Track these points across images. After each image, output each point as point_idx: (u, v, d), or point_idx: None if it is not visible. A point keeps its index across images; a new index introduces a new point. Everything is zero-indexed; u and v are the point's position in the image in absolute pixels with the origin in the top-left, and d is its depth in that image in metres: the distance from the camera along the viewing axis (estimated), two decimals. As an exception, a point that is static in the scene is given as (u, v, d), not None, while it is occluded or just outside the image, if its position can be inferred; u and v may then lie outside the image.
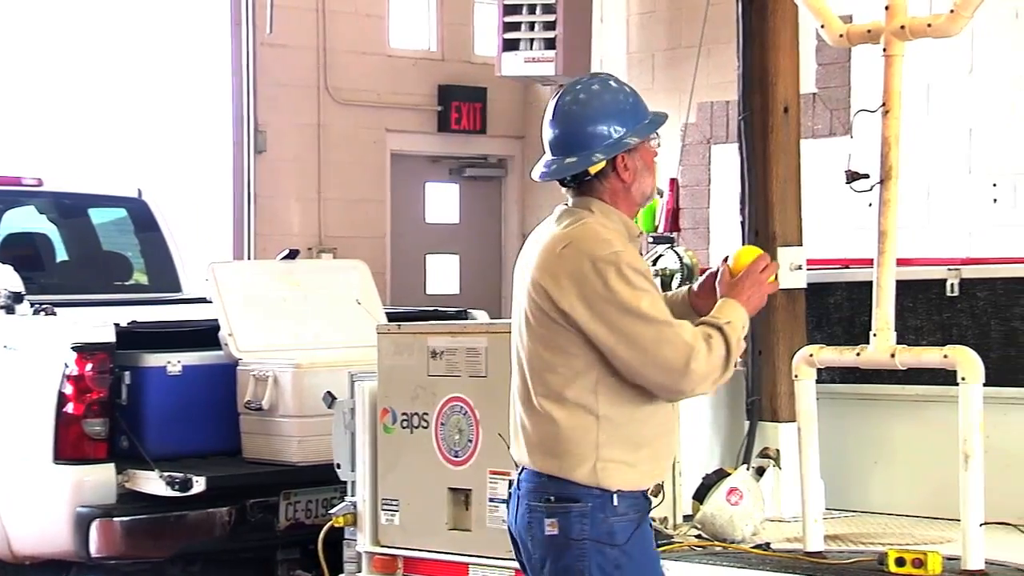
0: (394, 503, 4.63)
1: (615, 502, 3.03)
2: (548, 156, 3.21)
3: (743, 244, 4.51)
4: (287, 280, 6.03)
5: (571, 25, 9.74)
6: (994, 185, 8.16)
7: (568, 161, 3.14)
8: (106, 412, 5.29)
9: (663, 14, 10.08)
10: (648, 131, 3.15)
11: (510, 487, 3.20)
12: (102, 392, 5.28)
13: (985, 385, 3.56)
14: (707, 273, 3.25)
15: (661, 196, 9.05)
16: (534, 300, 3.10)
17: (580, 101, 3.15)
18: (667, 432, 3.15)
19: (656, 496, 3.67)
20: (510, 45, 9.78)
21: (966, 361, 3.58)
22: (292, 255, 6.35)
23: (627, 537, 3.03)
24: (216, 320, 5.67)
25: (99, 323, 5.37)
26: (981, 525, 3.52)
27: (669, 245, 5.17)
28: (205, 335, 5.67)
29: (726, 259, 3.20)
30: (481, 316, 6.39)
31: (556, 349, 3.06)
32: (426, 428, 4.55)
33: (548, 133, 3.19)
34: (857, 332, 4.03)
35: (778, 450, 4.50)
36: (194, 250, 8.72)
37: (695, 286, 3.27)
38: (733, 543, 4.10)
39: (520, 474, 3.16)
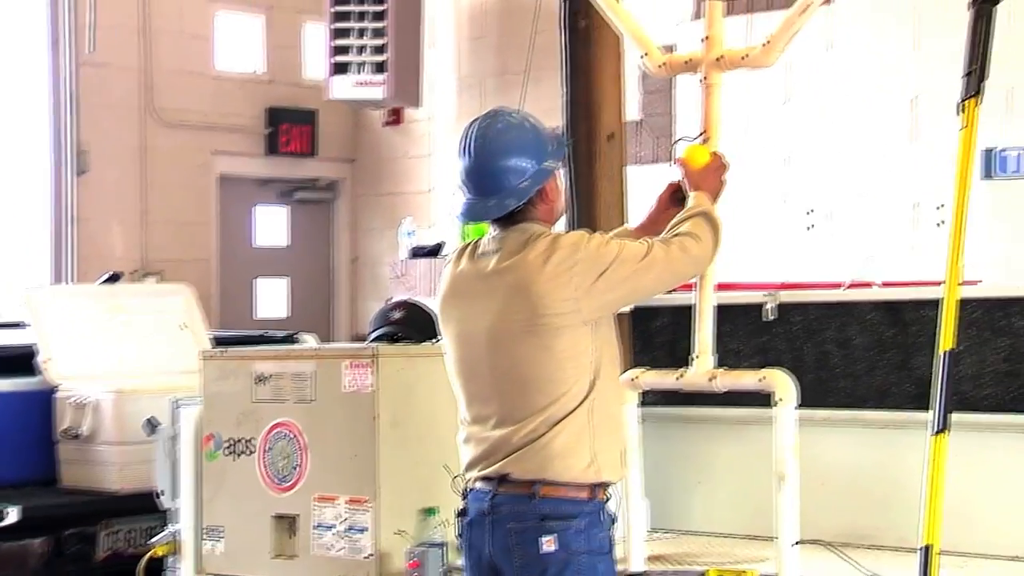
0: (217, 531, 4.55)
1: (603, 516, 3.22)
2: (472, 196, 3.32)
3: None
4: (109, 304, 5.91)
5: (401, 49, 9.75)
6: (809, 212, 8.43)
7: (502, 201, 3.26)
8: (-85, 441, 5.10)
9: (492, 40, 10.17)
10: (561, 153, 3.36)
11: (467, 514, 3.25)
12: (-90, 420, 5.09)
13: (799, 407, 3.66)
14: (659, 196, 3.60)
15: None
16: (536, 315, 3.19)
17: (494, 140, 3.29)
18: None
19: None
20: (339, 68, 9.74)
21: (781, 384, 3.68)
22: (114, 279, 6.23)
23: (611, 546, 3.26)
24: (33, 346, 5.51)
25: (-93, 349, 5.18)
26: (795, 544, 3.60)
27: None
28: (21, 361, 5.50)
29: (680, 161, 3.57)
30: (310, 340, 6.34)
31: (560, 356, 3.18)
32: (251, 454, 4.49)
33: (472, 175, 3.31)
34: (680, 355, 4.09)
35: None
36: (10, 274, 8.46)
37: (650, 210, 3.62)
38: (559, 565, 4.11)
39: (494, 498, 3.18)
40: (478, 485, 3.23)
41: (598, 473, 3.19)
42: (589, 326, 3.21)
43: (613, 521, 3.31)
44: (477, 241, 3.35)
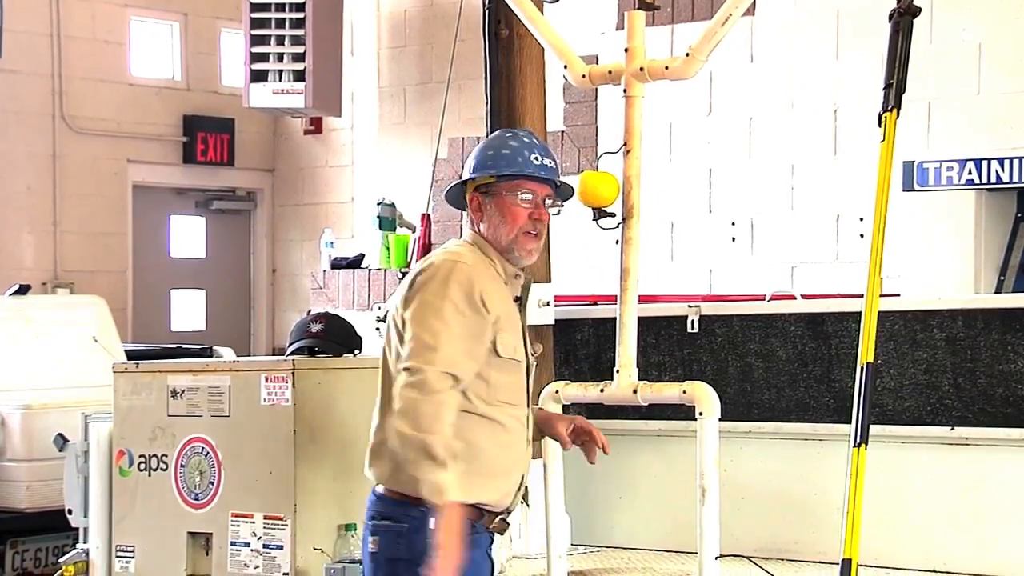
0: (129, 549, 4.45)
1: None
2: None
3: None
4: (17, 317, 5.80)
5: (321, 57, 9.66)
6: (732, 224, 8.46)
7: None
8: None
9: (413, 48, 10.11)
10: (476, 174, 3.31)
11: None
12: None
13: (722, 420, 3.64)
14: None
15: (413, 231, 9.07)
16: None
17: None
18: None
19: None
20: (258, 76, 9.62)
21: (703, 397, 3.66)
22: (23, 290, 6.11)
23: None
24: (-64, 359, 5.38)
25: None
26: (717, 558, 3.59)
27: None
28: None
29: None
30: (227, 353, 6.25)
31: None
32: (165, 470, 4.40)
33: None
34: (603, 368, 4.07)
35: (526, 487, 4.50)
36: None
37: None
38: (480, 582, 4.06)
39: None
40: None
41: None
42: None
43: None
44: None
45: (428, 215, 7.58)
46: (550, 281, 4.81)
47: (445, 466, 3.00)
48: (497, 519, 3.24)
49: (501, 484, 3.23)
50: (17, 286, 6.16)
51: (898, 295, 4.94)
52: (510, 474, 3.26)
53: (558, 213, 3.39)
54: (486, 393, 3.15)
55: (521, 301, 3.31)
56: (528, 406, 3.33)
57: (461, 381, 3.09)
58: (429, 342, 3.07)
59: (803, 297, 4.62)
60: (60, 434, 4.77)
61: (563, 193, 3.44)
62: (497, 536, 4.14)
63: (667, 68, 3.83)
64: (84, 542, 4.59)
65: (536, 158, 3.32)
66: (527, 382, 3.31)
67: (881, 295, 3.36)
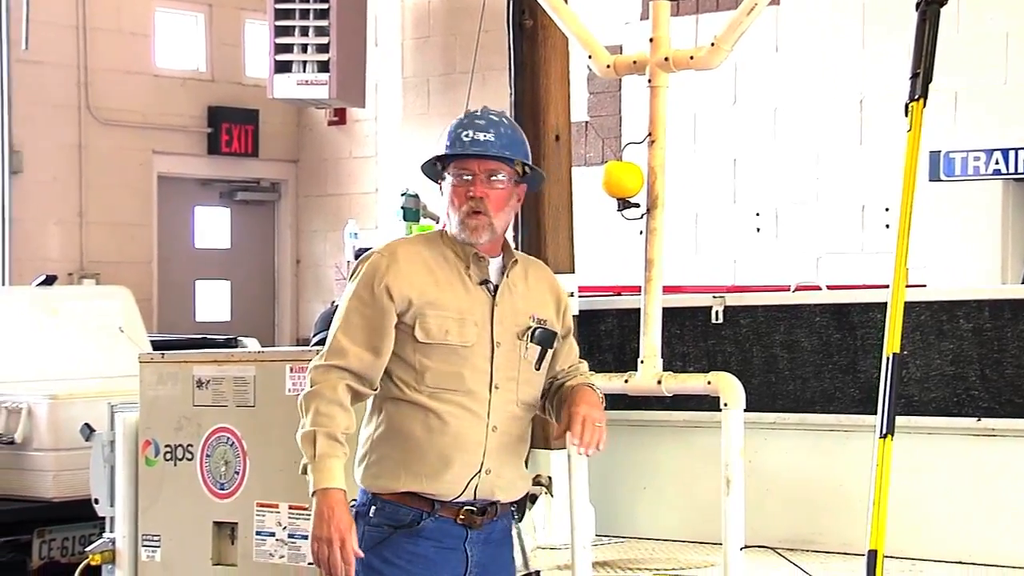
0: (155, 539, 4.47)
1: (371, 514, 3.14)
2: None
3: None
4: (44, 307, 5.82)
5: (345, 48, 9.67)
6: (757, 214, 8.44)
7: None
8: None
9: (437, 39, 10.11)
10: (432, 155, 3.21)
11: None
12: None
13: (746, 411, 3.63)
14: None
15: (437, 222, 9.07)
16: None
17: None
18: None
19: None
20: (282, 67, 9.64)
21: (728, 387, 3.65)
22: (49, 281, 6.13)
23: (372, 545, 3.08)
24: (-36, 349, 5.41)
25: None
26: (742, 549, 3.58)
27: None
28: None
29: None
30: (252, 344, 6.27)
31: None
32: (191, 460, 4.41)
33: None
34: (627, 359, 4.06)
35: (550, 477, 4.51)
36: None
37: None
38: (504, 572, 4.06)
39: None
40: None
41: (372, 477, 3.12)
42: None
43: (395, 527, 3.09)
44: None
45: (452, 206, 7.58)
46: (573, 272, 4.80)
47: (314, 458, 3.01)
48: (463, 510, 3.07)
49: (439, 472, 3.06)
50: (44, 277, 6.18)
51: (924, 286, 4.91)
52: (450, 462, 3.05)
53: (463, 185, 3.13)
54: (414, 379, 3.06)
55: (493, 284, 3.13)
56: (491, 390, 3.09)
57: (353, 372, 3.06)
58: (331, 336, 3.13)
59: (828, 288, 4.61)
60: (86, 424, 4.79)
61: (534, 180, 3.23)
62: (521, 526, 4.15)
63: (692, 58, 3.82)
64: (110, 531, 4.61)
65: (467, 135, 3.14)
66: (490, 366, 3.09)
67: (907, 285, 3.34)
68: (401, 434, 3.07)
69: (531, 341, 3.15)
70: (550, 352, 3.20)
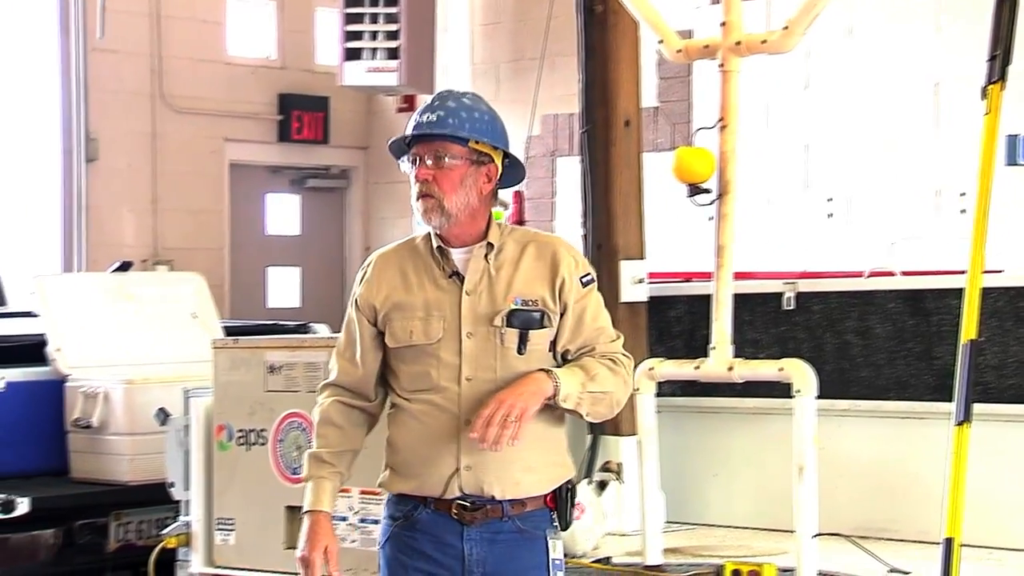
0: (229, 522, 4.52)
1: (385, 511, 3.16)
2: None
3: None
4: (119, 293, 5.89)
5: (414, 35, 9.68)
6: (829, 200, 8.35)
7: None
8: (-74, 431, 5.09)
9: (507, 25, 10.10)
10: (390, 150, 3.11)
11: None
12: (-79, 410, 5.07)
13: (819, 397, 3.60)
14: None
15: (506, 208, 9.07)
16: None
17: None
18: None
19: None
20: (352, 54, 9.67)
21: (800, 374, 3.63)
22: (124, 267, 6.20)
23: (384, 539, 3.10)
24: (43, 335, 5.48)
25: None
26: (814, 536, 3.56)
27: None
28: (31, 350, 5.48)
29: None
30: (322, 330, 6.31)
31: None
32: (263, 445, 4.46)
33: None
34: (697, 345, 4.04)
35: (620, 464, 4.51)
36: (20, 262, 8.43)
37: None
38: (574, 558, 4.08)
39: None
40: None
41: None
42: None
43: (397, 520, 3.06)
44: None
45: (521, 192, 7.58)
46: (643, 258, 4.78)
47: (308, 479, 3.10)
48: (455, 505, 2.95)
49: (418, 472, 3.00)
50: (119, 263, 6.26)
51: (1001, 271, 4.84)
52: (426, 461, 2.98)
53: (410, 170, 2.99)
54: (396, 384, 3.06)
55: (460, 275, 2.97)
56: (460, 384, 2.95)
57: (343, 387, 3.10)
58: None
59: (903, 274, 4.55)
60: (162, 408, 4.85)
61: (515, 178, 3.05)
62: (588, 512, 4.14)
63: (764, 42, 3.79)
64: (185, 514, 4.66)
65: (418, 116, 3.00)
66: (459, 359, 2.95)
67: (984, 271, 3.30)
68: (392, 438, 3.09)
69: (507, 325, 2.94)
70: (540, 333, 2.96)
